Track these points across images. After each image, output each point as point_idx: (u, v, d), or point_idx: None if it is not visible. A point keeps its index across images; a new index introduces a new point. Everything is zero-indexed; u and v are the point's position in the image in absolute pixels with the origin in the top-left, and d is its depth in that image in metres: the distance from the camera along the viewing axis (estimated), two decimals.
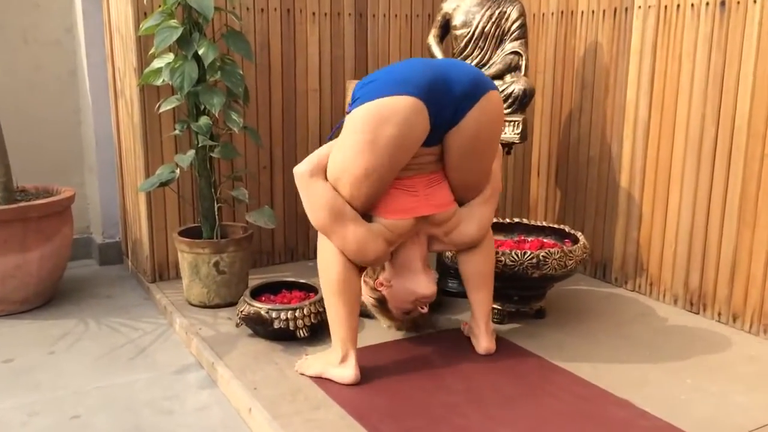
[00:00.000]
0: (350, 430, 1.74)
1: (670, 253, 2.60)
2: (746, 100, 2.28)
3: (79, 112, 3.35)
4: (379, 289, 2.16)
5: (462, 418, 1.79)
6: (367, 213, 1.99)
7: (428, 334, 2.35)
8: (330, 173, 1.95)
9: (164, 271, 2.91)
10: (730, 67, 2.32)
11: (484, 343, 2.18)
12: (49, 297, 2.81)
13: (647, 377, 2.04)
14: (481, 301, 2.19)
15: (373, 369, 2.07)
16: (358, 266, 2.01)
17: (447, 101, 1.90)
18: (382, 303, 2.22)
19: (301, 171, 1.98)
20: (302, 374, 2.04)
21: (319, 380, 2.00)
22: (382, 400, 1.89)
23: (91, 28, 3.13)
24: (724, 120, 2.36)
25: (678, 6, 2.47)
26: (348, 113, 1.94)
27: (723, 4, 2.32)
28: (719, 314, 2.45)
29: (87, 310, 2.75)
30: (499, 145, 2.16)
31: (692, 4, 2.42)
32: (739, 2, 2.28)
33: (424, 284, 2.10)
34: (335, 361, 1.99)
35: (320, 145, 3.07)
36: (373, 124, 1.84)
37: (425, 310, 2.16)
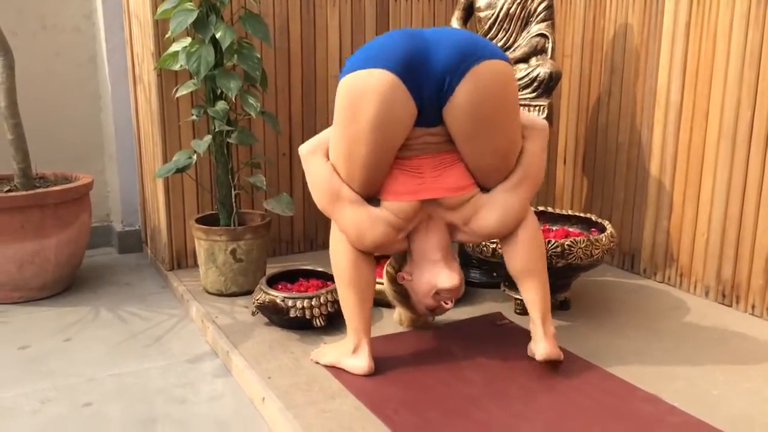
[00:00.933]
0: (365, 421, 1.69)
1: (702, 242, 2.49)
2: None
3: (99, 99, 3.33)
4: (401, 282, 2.03)
5: (481, 411, 1.72)
6: (372, 197, 1.90)
7: (447, 324, 2.28)
8: (330, 153, 1.89)
9: (182, 259, 2.88)
10: None
11: (541, 348, 1.90)
12: (67, 284, 2.80)
13: (677, 372, 1.94)
14: (531, 301, 1.95)
15: (389, 359, 2.01)
16: (372, 254, 1.93)
17: (427, 76, 1.74)
18: (405, 297, 2.09)
19: (303, 149, 1.94)
20: (317, 363, 1.99)
21: (335, 370, 1.95)
22: (398, 390, 1.83)
23: (110, 13, 3.10)
24: (761, 103, 2.24)
25: None
26: None
27: None
28: (753, 306, 2.34)
29: (105, 297, 2.73)
30: (545, 125, 1.95)
31: None
32: None
33: (444, 276, 1.92)
34: (348, 350, 1.94)
35: None
36: (350, 100, 1.75)
37: (449, 306, 1.98)
